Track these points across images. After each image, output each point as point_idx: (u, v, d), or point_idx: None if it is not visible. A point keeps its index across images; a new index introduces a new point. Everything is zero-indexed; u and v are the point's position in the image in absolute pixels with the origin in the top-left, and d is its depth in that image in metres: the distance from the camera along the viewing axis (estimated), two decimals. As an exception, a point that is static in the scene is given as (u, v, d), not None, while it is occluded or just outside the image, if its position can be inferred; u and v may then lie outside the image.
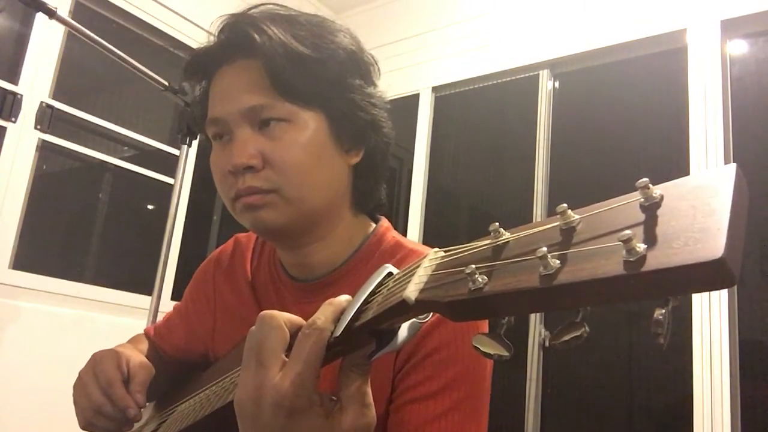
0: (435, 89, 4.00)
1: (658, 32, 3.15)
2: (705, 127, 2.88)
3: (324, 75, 0.92)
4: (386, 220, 1.08)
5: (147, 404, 1.27)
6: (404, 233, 3.72)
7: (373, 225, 1.05)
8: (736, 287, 2.69)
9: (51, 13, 1.91)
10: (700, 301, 2.71)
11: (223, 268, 1.19)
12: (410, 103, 4.03)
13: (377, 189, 1.05)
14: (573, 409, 3.15)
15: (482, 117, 3.84)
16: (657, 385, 2.91)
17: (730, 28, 2.99)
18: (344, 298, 0.62)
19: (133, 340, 1.31)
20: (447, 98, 3.97)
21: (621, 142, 3.23)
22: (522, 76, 3.64)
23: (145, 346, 1.27)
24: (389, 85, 3.96)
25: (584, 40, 3.38)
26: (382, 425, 0.88)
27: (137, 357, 1.06)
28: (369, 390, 0.61)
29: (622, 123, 3.27)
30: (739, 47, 3.01)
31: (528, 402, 3.12)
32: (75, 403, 1.03)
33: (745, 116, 2.88)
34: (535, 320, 3.19)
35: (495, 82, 3.75)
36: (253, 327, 0.61)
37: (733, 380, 2.60)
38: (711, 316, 2.68)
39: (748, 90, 2.93)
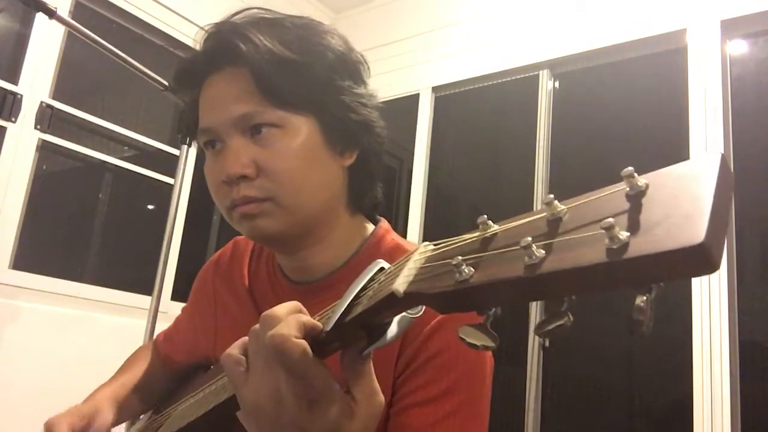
0: (435, 89, 3.99)
1: (658, 32, 3.15)
2: (705, 127, 2.88)
3: (312, 78, 0.91)
4: (386, 222, 1.07)
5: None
6: (404, 233, 3.72)
7: (372, 227, 1.05)
8: (736, 287, 2.69)
9: (51, 13, 1.92)
10: (700, 301, 2.71)
11: (221, 271, 1.19)
12: (410, 103, 4.03)
13: (373, 189, 1.04)
14: (573, 409, 3.15)
15: (482, 117, 3.84)
16: (657, 385, 2.91)
17: (730, 28, 2.98)
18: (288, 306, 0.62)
19: (128, 363, 1.30)
20: (447, 98, 3.97)
21: (621, 142, 3.23)
22: (522, 76, 3.63)
23: (137, 370, 1.26)
24: (389, 85, 3.97)
25: (584, 40, 3.38)
26: (381, 428, 0.88)
27: (93, 407, 1.08)
28: (373, 379, 0.62)
29: (622, 123, 3.27)
30: (739, 47, 3.01)
31: (528, 402, 3.12)
32: None
33: (745, 116, 2.88)
34: (535, 320, 3.19)
35: (495, 82, 3.75)
36: (256, 326, 0.61)
37: (733, 380, 2.60)
38: (711, 316, 2.68)
39: (748, 90, 2.93)
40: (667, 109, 3.12)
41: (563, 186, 3.33)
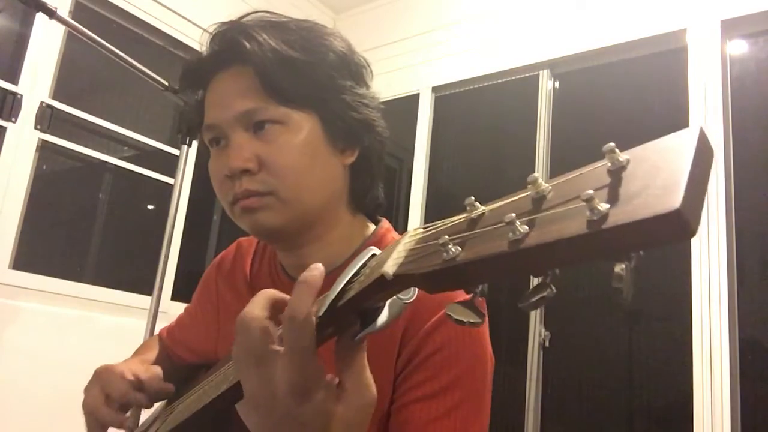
0: (435, 89, 4.01)
1: (658, 32, 3.16)
2: (705, 127, 2.88)
3: (314, 77, 0.93)
4: (387, 222, 1.08)
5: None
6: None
7: (373, 226, 1.06)
8: (736, 287, 2.69)
9: (51, 13, 1.92)
10: (700, 301, 2.71)
11: (224, 272, 1.20)
12: (410, 103, 4.04)
13: (374, 188, 1.05)
14: (573, 409, 3.14)
15: (482, 117, 3.85)
16: (657, 385, 2.91)
17: (730, 28, 2.99)
18: (317, 271, 0.62)
19: (141, 349, 1.32)
20: (447, 98, 3.98)
21: (621, 142, 3.19)
22: (522, 76, 3.64)
23: (153, 354, 1.27)
24: (389, 85, 3.97)
25: (584, 40, 3.38)
26: (383, 426, 0.89)
27: (137, 365, 1.07)
28: (366, 370, 0.62)
29: (622, 123, 3.27)
30: (739, 47, 3.01)
31: (528, 402, 3.12)
32: (90, 410, 1.02)
33: (745, 116, 2.88)
34: (535, 320, 3.19)
35: (495, 82, 3.75)
36: (236, 335, 0.62)
37: (733, 380, 2.60)
38: (711, 316, 2.68)
39: (748, 90, 2.93)
40: (667, 109, 3.12)
41: (563, 186, 3.32)
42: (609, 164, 0.39)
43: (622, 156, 0.38)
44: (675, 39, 3.13)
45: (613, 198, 0.36)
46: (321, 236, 0.99)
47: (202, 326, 1.22)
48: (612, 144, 0.38)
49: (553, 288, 0.40)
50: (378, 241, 1.02)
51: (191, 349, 1.25)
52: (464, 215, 0.48)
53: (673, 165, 0.35)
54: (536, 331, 3.18)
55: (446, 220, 0.50)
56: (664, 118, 3.14)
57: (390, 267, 0.51)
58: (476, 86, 3.83)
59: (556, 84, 3.57)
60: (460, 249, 0.44)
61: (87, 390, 1.03)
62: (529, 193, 0.43)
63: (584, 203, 0.35)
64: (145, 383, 1.02)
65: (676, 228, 0.32)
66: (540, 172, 3.35)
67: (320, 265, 0.62)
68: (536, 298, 0.40)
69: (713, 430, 2.57)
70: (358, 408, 0.61)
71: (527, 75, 3.62)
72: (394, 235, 1.05)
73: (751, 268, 2.76)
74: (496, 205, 0.45)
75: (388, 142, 1.04)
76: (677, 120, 3.00)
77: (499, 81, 3.74)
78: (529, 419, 3.10)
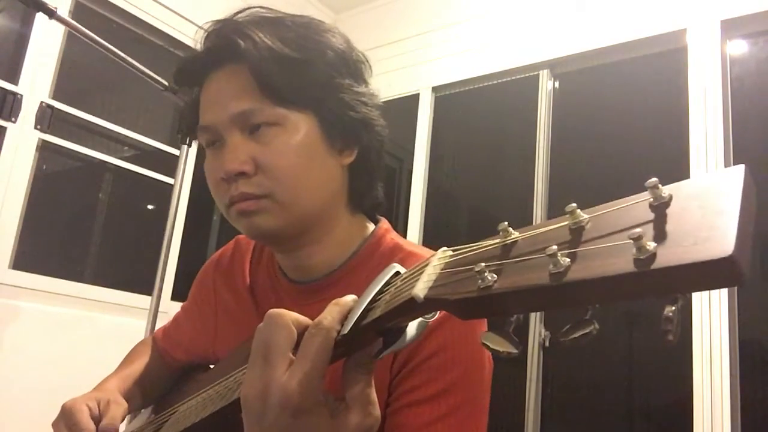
0: (435, 89, 4.00)
1: (658, 32, 3.15)
2: (705, 127, 2.88)
3: (312, 76, 0.91)
4: (386, 222, 1.07)
5: (145, 410, 1.28)
6: (404, 233, 3.71)
7: (372, 226, 1.04)
8: (736, 287, 2.69)
9: (51, 13, 1.91)
10: (700, 301, 2.72)
11: (222, 270, 1.19)
12: (410, 103, 4.03)
13: (373, 188, 1.04)
14: (573, 409, 3.15)
15: (482, 117, 3.84)
16: (657, 385, 2.91)
17: (730, 28, 2.99)
18: (350, 297, 0.61)
19: (129, 357, 1.30)
20: (447, 98, 3.97)
21: (621, 143, 3.23)
22: (522, 76, 3.64)
23: (140, 363, 1.26)
24: (389, 85, 3.96)
25: (584, 40, 3.38)
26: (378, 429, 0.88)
27: (107, 396, 1.07)
28: (373, 389, 0.61)
29: (622, 123, 3.27)
30: (739, 47, 3.01)
31: (528, 402, 3.12)
32: None
33: (745, 116, 2.88)
34: (535, 320, 3.19)
35: (495, 82, 3.75)
36: (261, 324, 0.61)
37: (733, 380, 2.60)
38: (711, 316, 2.68)
39: (748, 90, 2.93)
40: (667, 109, 3.12)
41: (563, 186, 3.34)
42: (651, 199, 0.38)
43: (665, 191, 0.37)
44: (675, 39, 3.13)
45: (659, 237, 0.35)
46: (319, 238, 0.97)
47: (199, 324, 1.20)
48: (655, 180, 0.37)
49: (596, 324, 0.39)
50: (377, 241, 1.01)
51: (188, 349, 1.24)
52: (497, 240, 0.46)
53: (720, 206, 0.34)
54: (536, 331, 3.18)
55: (478, 244, 0.49)
56: (664, 118, 3.14)
57: (420, 290, 0.49)
58: (476, 86, 3.82)
59: (556, 84, 3.56)
60: (495, 277, 0.43)
61: (54, 426, 1.02)
62: (566, 222, 0.42)
63: (631, 241, 0.35)
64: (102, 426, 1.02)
65: (728, 274, 0.31)
66: (540, 173, 3.37)
67: (354, 296, 0.62)
68: (578, 334, 0.40)
69: (713, 430, 2.57)
70: (361, 426, 0.60)
71: (527, 75, 3.61)
72: (393, 235, 1.03)
73: (752, 268, 2.76)
74: (530, 233, 0.45)
75: (387, 141, 1.02)
76: (677, 120, 3.00)
77: (499, 81, 3.73)
78: (529, 419, 3.10)
